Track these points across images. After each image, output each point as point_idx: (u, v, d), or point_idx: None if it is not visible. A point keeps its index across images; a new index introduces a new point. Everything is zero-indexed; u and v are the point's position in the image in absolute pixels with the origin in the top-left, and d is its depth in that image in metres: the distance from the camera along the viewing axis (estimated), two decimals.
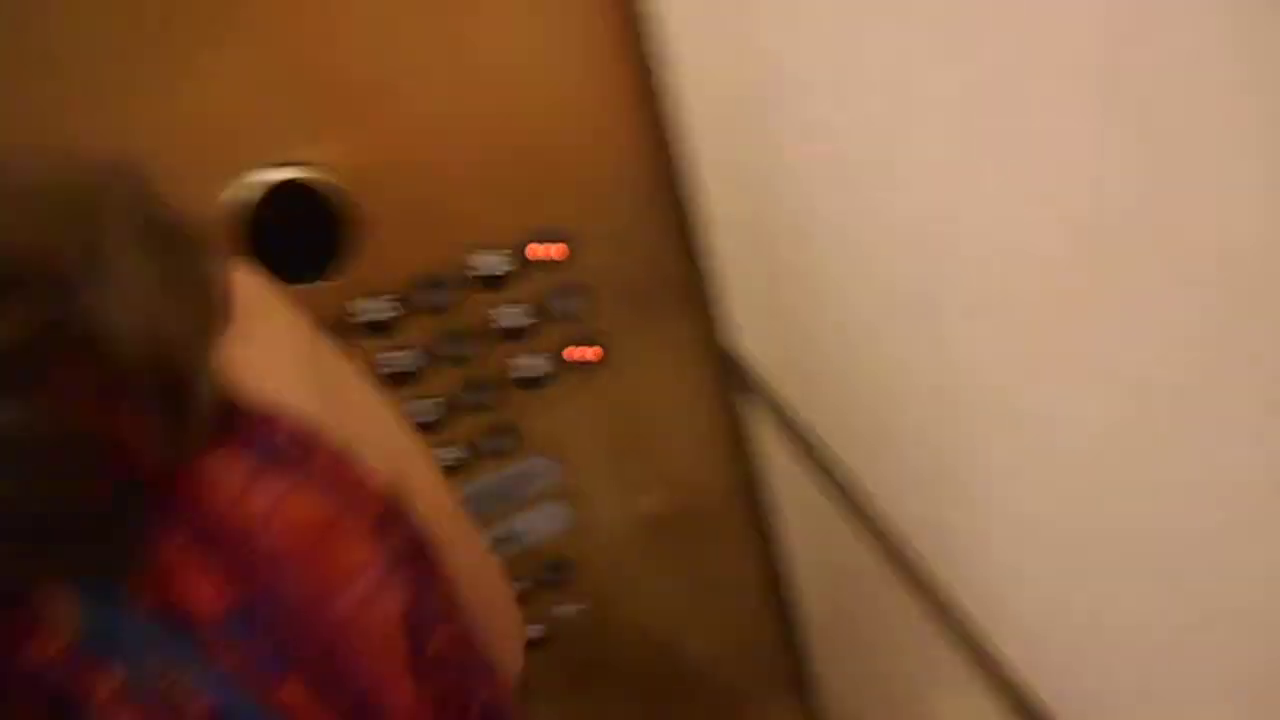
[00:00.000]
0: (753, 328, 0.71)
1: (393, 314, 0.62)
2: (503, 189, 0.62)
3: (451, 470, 0.70)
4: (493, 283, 0.64)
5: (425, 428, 0.68)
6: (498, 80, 0.60)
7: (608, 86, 0.62)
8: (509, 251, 0.64)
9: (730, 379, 0.73)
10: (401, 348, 0.64)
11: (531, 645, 0.80)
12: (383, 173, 0.58)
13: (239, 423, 0.32)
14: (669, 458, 0.77)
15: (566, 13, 0.60)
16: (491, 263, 0.63)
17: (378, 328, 0.63)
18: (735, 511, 0.81)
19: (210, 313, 0.33)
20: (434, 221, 0.61)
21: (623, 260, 0.68)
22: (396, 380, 0.65)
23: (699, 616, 0.87)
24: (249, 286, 0.35)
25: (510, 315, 0.65)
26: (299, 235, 0.55)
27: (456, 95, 0.59)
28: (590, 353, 0.70)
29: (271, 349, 0.35)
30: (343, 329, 0.62)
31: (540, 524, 0.75)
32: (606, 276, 0.68)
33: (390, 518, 0.35)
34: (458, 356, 0.66)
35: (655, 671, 0.87)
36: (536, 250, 0.63)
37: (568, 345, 0.69)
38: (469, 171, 0.61)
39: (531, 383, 0.69)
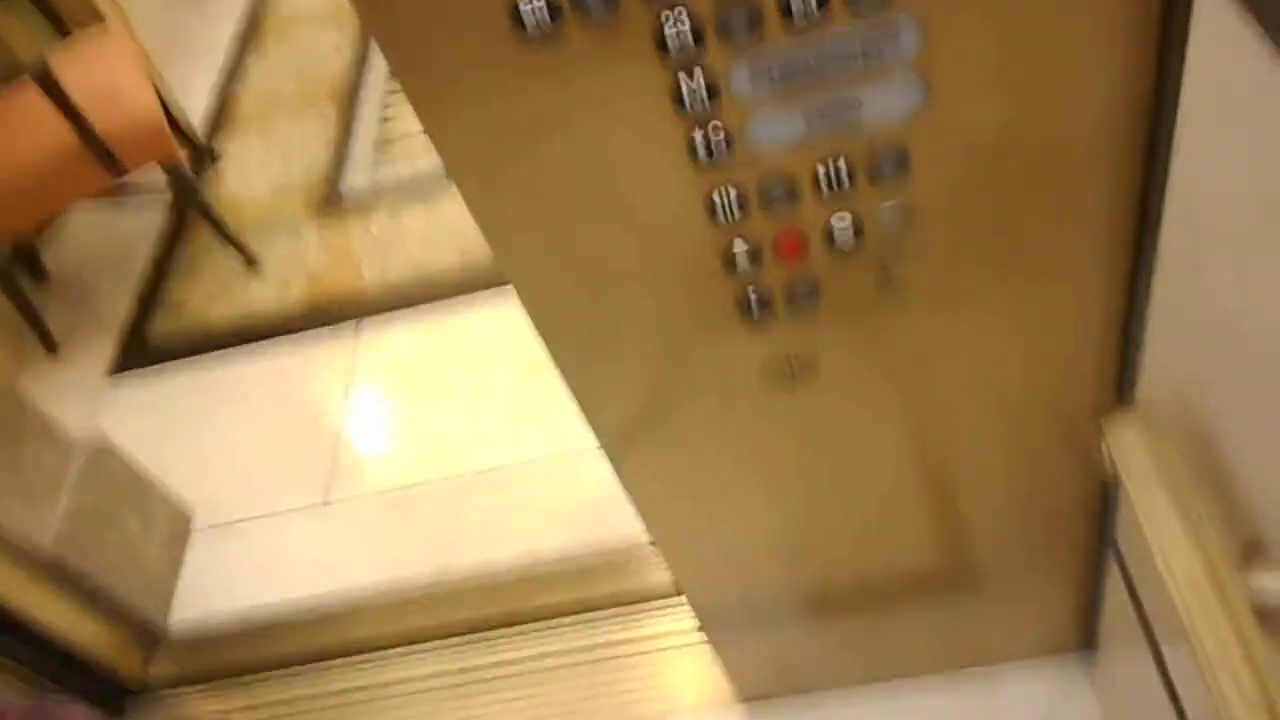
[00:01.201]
0: None
1: None
2: None
3: (801, 16, 0.58)
4: None
5: None
6: None
7: None
8: None
9: None
10: None
11: (838, 240, 0.72)
12: None
13: None
14: (1068, 50, 0.61)
15: None
16: None
17: None
18: (1126, 146, 0.66)
19: None
20: None
21: None
22: None
23: (1025, 258, 0.76)
24: None
25: None
26: None
27: None
28: None
29: None
30: None
31: (884, 100, 0.63)
32: None
33: None
34: None
35: (964, 300, 0.78)
36: None
37: None
38: None
39: None
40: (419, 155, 2.45)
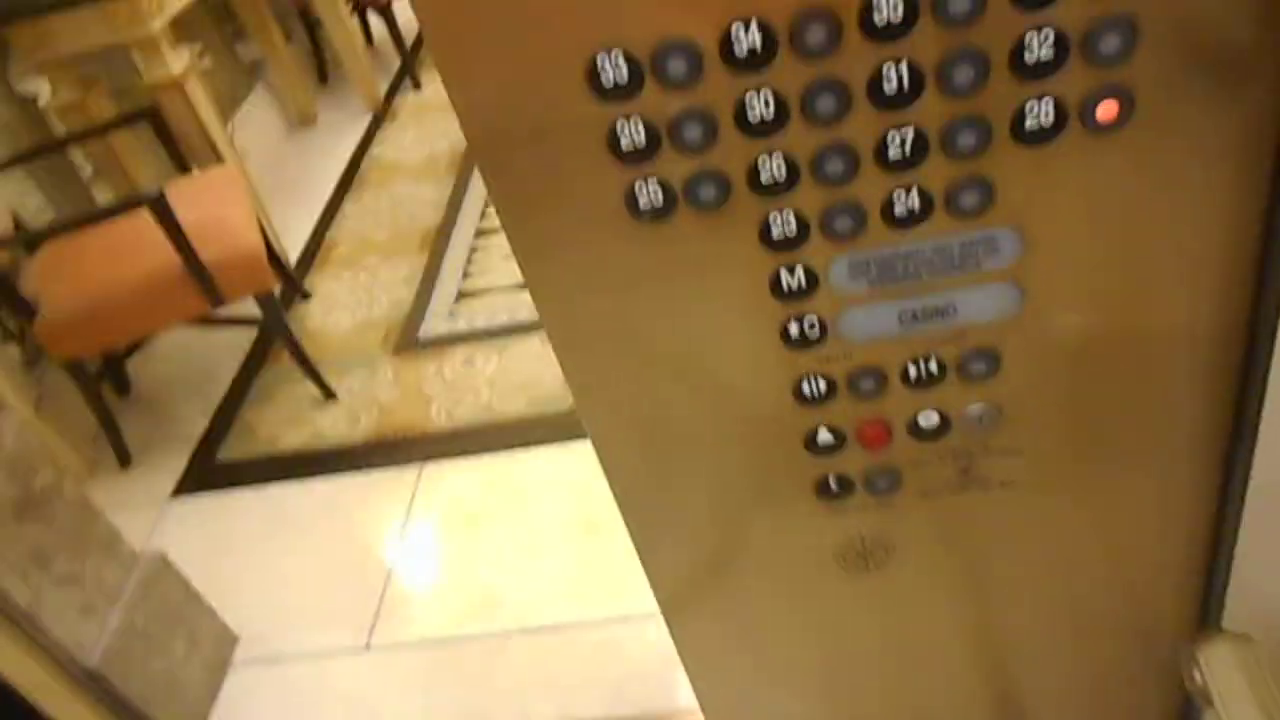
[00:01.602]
0: None
1: (902, 12, 0.52)
2: None
3: (903, 220, 0.61)
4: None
5: (892, 161, 0.58)
6: None
7: None
8: None
9: None
10: (899, 58, 0.54)
11: (923, 432, 0.73)
12: None
13: None
14: (1167, 266, 0.63)
15: None
16: None
17: (883, 26, 0.52)
18: (1221, 364, 0.67)
19: None
20: None
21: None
22: (878, 96, 0.55)
23: (1113, 463, 0.75)
24: None
25: (1039, 43, 0.52)
26: None
27: None
28: (1113, 110, 0.55)
29: None
30: (846, 20, 0.53)
31: (979, 304, 0.65)
32: (1168, 11, 0.52)
33: None
34: (960, 82, 0.54)
35: (1047, 499, 0.78)
36: None
37: (1092, 95, 0.55)
38: None
39: (1031, 133, 0.56)
40: (497, 307, 2.54)
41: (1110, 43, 0.53)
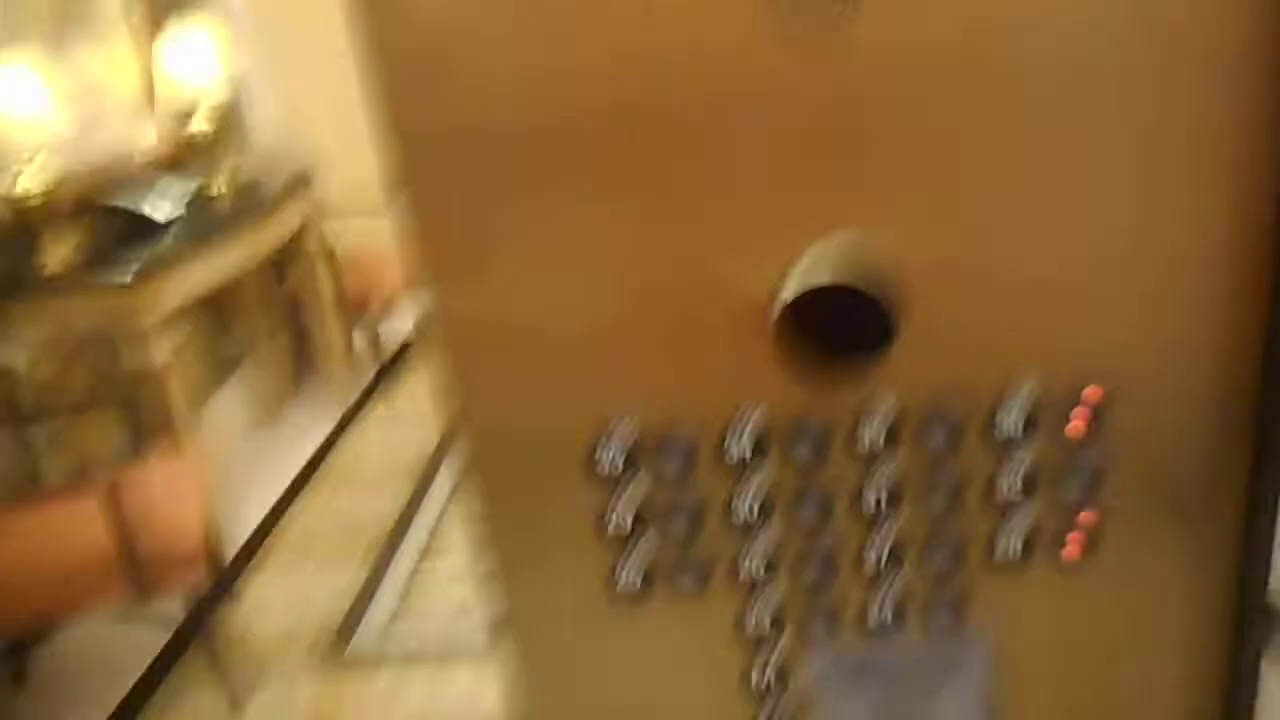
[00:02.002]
0: None
1: (888, 439, 0.56)
2: (1060, 324, 0.54)
3: (877, 627, 0.61)
4: (1006, 436, 0.56)
5: (869, 571, 0.60)
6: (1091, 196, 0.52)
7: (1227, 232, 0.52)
8: (1034, 400, 0.55)
9: (1255, 623, 0.59)
10: (879, 477, 0.57)
11: None
12: (939, 272, 0.52)
13: None
14: (1134, 696, 0.63)
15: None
16: (1012, 416, 0.55)
17: (867, 448, 0.56)
18: None
19: None
20: (971, 341, 0.54)
21: (1162, 439, 0.57)
22: (855, 508, 0.58)
23: None
24: None
25: (1011, 476, 0.56)
26: (843, 318, 0.49)
27: (1037, 200, 0.52)
28: (1080, 544, 0.58)
29: None
30: (834, 436, 0.57)
31: (950, 713, 0.64)
32: (1134, 454, 0.57)
33: None
34: (932, 503, 0.57)
35: None
36: (1077, 420, 0.54)
37: (1059, 525, 0.58)
38: (1026, 292, 0.53)
39: (1000, 556, 0.59)
40: (432, 630, 2.45)
41: (1080, 479, 0.57)
